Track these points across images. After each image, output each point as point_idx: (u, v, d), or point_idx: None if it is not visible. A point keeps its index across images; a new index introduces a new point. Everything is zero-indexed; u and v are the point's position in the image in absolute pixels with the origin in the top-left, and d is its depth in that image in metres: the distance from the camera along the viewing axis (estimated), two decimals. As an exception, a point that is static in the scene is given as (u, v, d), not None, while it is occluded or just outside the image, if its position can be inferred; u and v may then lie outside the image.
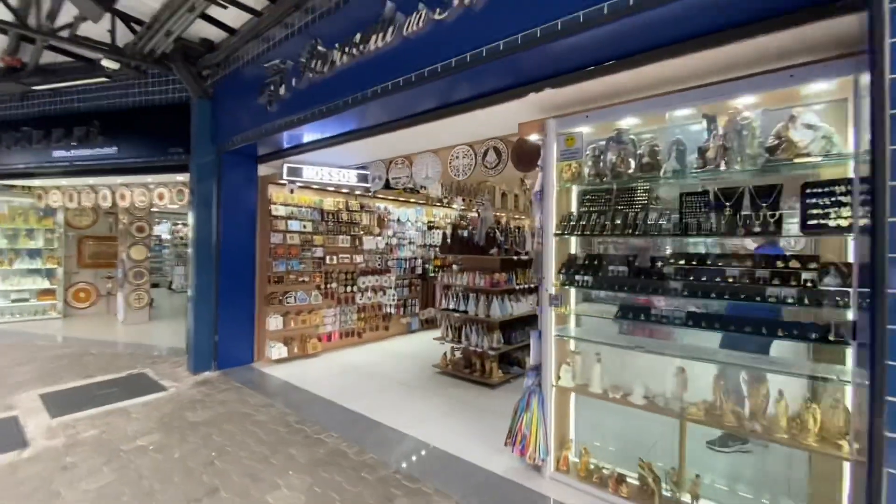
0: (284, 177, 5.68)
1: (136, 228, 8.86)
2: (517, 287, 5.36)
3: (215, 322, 5.67)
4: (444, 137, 4.52)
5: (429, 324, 8.46)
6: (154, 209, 9.47)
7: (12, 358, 6.21)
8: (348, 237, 6.93)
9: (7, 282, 8.78)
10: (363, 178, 5.83)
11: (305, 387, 5.12)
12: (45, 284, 9.18)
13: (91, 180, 7.86)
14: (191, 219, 5.71)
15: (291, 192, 5.97)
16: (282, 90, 4.44)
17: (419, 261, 8.24)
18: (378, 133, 4.28)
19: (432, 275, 8.42)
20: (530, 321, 5.65)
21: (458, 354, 5.71)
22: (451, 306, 5.53)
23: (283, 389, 5.07)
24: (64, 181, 8.04)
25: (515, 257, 5.49)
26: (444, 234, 6.64)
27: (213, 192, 5.68)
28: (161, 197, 7.78)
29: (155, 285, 13.05)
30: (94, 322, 8.96)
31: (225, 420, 4.17)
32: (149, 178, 7.57)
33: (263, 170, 6.11)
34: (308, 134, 4.76)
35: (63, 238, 9.33)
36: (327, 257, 6.59)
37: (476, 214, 9.63)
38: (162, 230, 16.28)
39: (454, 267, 8.59)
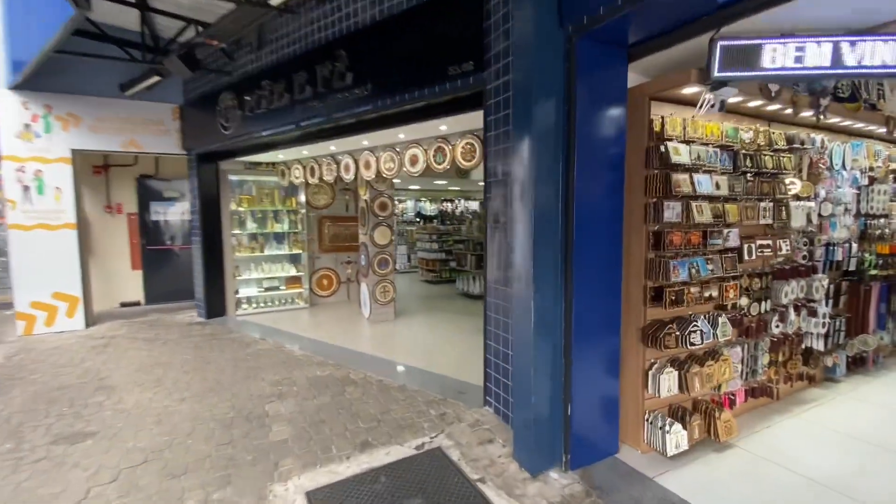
0: (715, 72, 2.50)
1: (379, 206, 7.11)
2: None
3: (567, 374, 2.97)
4: None
5: (857, 365, 4.53)
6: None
7: (269, 378, 4.77)
8: (769, 204, 3.47)
9: (259, 269, 8.11)
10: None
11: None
12: (292, 271, 8.33)
13: (333, 145, 6.19)
14: (517, 180, 3.04)
15: (720, 108, 2.73)
16: None
17: (851, 247, 4.31)
18: None
19: (874, 272, 4.41)
20: None
21: None
22: None
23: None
24: (305, 150, 6.61)
25: None
26: None
27: (556, 121, 2.85)
28: (414, 160, 5.62)
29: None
30: (338, 316, 7.71)
31: None
32: (401, 134, 5.44)
33: (634, 78, 3.06)
34: None
35: (305, 220, 8.31)
36: (745, 247, 3.28)
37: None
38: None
39: None
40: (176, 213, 8.90)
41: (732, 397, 3.47)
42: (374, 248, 7.09)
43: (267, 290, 8.19)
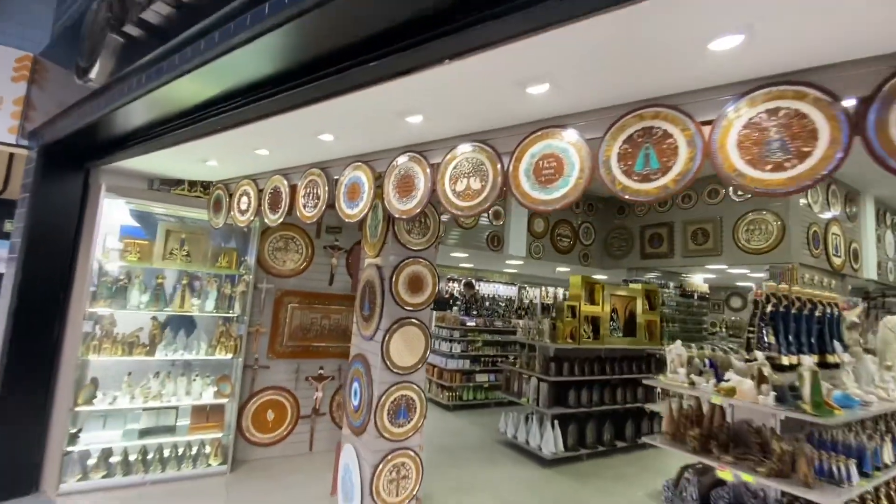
0: None
1: (409, 281, 3.34)
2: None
3: None
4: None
5: None
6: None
7: None
8: None
9: (139, 390, 3.99)
10: None
11: None
12: (208, 396, 4.23)
13: (330, 131, 2.59)
14: None
15: None
16: None
17: None
18: None
19: None
20: None
21: None
22: None
23: None
24: (264, 149, 2.97)
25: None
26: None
27: None
28: (556, 167, 2.05)
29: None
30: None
31: None
32: (538, 85, 1.92)
33: None
34: None
35: (250, 295, 4.42)
36: None
37: None
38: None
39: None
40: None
41: None
42: (388, 374, 3.20)
43: (147, 434, 3.99)
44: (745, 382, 2.46)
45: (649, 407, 5.94)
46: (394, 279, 3.23)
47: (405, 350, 3.23)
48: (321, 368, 4.82)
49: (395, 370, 3.18)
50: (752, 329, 2.84)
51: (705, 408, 2.91)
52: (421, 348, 3.31)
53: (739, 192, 7.55)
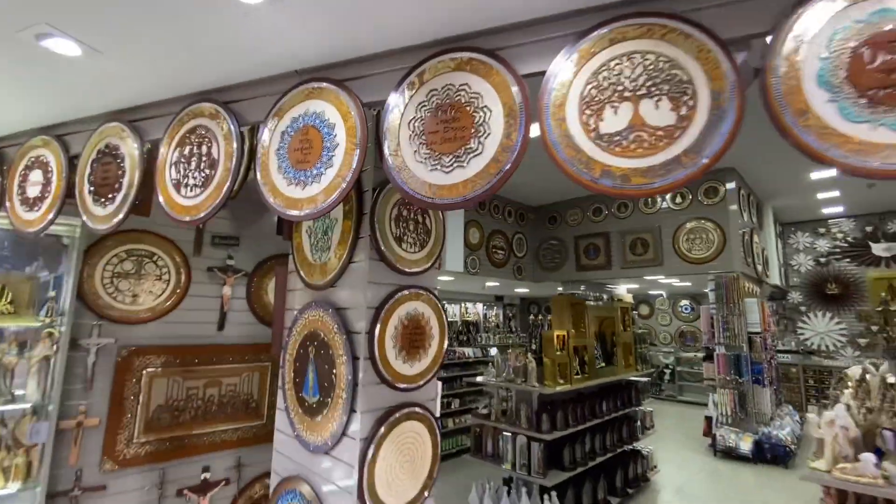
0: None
1: (402, 331, 1.77)
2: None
3: None
4: None
5: None
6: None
7: None
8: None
9: None
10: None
11: None
12: (-45, 579, 2.09)
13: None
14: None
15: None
16: None
17: None
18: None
19: None
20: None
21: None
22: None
23: None
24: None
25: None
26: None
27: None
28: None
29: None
30: None
31: None
32: None
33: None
34: None
35: (62, 361, 2.36)
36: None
37: None
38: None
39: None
40: None
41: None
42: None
43: None
44: None
45: (634, 446, 5.03)
46: (378, 332, 1.63)
47: (403, 471, 1.64)
48: (206, 471, 2.88)
49: (386, 518, 1.57)
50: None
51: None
52: (427, 461, 1.75)
53: (677, 200, 7.37)
